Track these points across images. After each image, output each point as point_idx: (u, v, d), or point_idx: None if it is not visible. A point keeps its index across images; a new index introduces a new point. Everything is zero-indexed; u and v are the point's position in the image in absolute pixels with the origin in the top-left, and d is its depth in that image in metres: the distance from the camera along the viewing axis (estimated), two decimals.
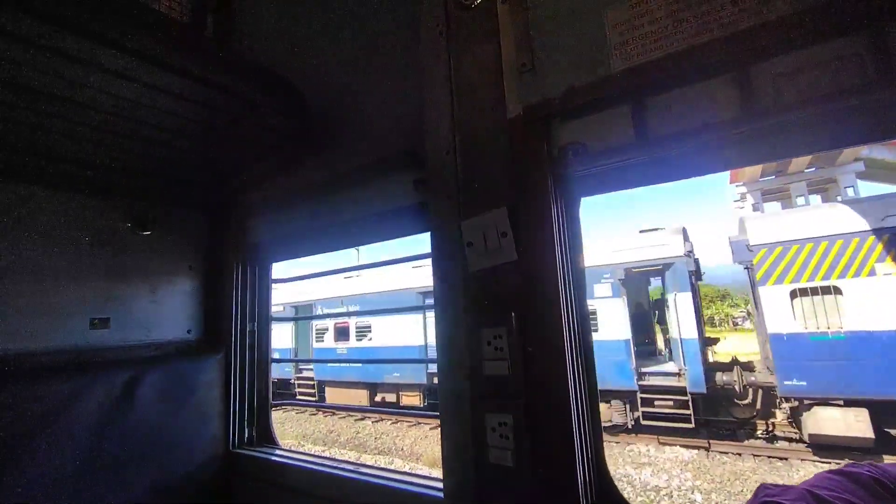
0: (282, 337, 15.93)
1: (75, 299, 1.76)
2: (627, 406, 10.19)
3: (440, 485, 1.29)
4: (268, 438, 2.10)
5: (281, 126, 1.67)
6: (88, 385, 1.62)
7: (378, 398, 13.69)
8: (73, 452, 1.55)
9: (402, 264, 1.91)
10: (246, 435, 2.08)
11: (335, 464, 1.71)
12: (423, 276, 12.53)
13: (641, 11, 1.00)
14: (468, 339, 1.18)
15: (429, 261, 1.34)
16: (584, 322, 1.14)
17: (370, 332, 14.12)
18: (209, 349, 2.09)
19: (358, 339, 14.44)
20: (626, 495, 1.09)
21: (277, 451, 1.97)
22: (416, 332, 12.86)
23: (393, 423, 12.58)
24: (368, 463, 1.88)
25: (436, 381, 1.28)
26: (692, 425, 9.44)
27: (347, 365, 14.16)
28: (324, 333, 15.31)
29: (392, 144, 1.56)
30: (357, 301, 14.21)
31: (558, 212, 1.13)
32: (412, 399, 12.94)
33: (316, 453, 1.98)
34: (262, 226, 2.09)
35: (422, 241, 1.90)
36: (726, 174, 10.63)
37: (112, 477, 1.64)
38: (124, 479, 1.67)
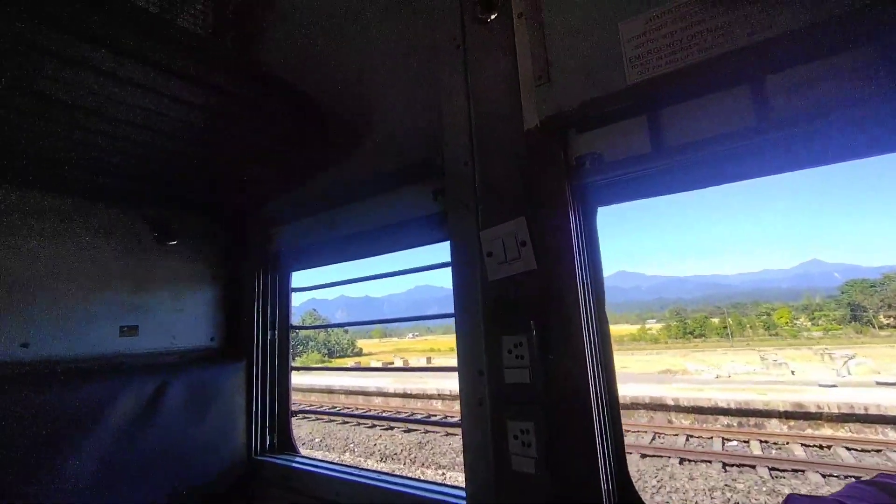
0: None
1: (106, 307, 1.82)
2: None
3: (462, 493, 1.30)
4: (288, 446, 2.13)
5: (299, 136, 1.71)
6: (120, 390, 1.67)
7: None
8: (102, 456, 1.58)
9: None
10: (268, 442, 2.11)
11: (357, 471, 1.73)
12: None
13: (657, 25, 1.02)
14: (488, 347, 1.20)
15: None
16: (604, 329, 1.15)
17: None
18: (232, 357, 2.14)
19: None
20: None
21: (298, 459, 1.99)
22: None
23: None
24: (389, 471, 1.89)
25: None
26: None
27: None
28: None
29: (411, 154, 1.59)
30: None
31: (576, 221, 1.15)
32: None
33: (337, 461, 2.01)
34: (282, 235, 2.14)
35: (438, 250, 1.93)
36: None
37: (137, 481, 1.67)
38: (148, 483, 1.70)
